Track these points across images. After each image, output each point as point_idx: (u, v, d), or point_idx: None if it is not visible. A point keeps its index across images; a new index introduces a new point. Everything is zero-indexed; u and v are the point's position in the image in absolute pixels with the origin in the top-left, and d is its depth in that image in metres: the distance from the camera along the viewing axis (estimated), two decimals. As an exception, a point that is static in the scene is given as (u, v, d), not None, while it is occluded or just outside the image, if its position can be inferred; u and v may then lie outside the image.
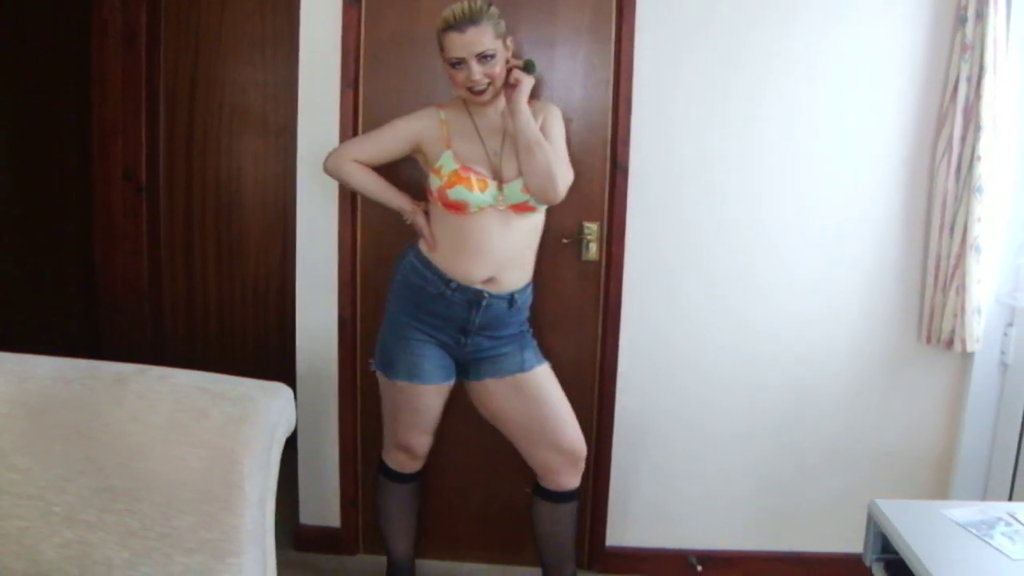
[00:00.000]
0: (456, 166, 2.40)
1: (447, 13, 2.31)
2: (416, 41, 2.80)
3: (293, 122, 2.91)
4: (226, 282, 3.94)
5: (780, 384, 2.98)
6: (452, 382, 2.61)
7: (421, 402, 2.58)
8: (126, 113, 3.68)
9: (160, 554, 1.79)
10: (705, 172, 2.86)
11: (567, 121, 2.71)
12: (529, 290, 2.59)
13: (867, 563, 1.53)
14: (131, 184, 3.75)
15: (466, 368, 2.62)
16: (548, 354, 2.70)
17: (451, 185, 2.38)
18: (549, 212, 2.60)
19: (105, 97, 3.68)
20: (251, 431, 1.80)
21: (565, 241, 2.86)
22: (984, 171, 2.61)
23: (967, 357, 2.88)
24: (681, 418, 3.01)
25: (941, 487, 3.00)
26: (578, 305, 2.94)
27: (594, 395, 2.98)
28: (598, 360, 2.96)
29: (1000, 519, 1.42)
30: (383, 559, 2.88)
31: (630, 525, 3.08)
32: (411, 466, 2.72)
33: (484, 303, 2.47)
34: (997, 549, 1.32)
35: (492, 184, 2.40)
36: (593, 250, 2.87)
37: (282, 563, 1.98)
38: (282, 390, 1.93)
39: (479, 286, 2.46)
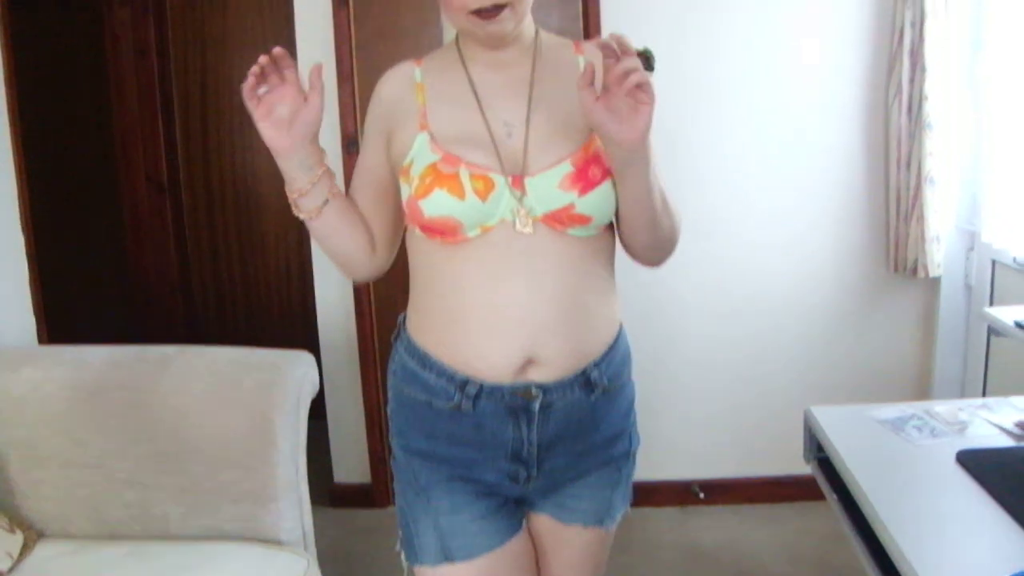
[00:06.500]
0: (436, 156, 1.36)
1: None
2: (404, 34, 3.04)
3: (297, 115, 3.16)
4: (250, 267, 4.23)
5: (756, 321, 3.22)
6: (520, 534, 1.53)
7: None
8: (143, 119, 3.97)
9: (210, 506, 2.09)
10: (670, 118, 3.08)
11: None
12: (620, 350, 1.53)
13: (806, 460, 1.80)
14: (154, 185, 4.04)
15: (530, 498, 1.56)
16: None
17: (426, 192, 1.34)
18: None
19: (122, 106, 3.97)
20: (280, 393, 2.08)
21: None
22: (932, 109, 2.83)
23: (934, 282, 3.10)
24: (661, 358, 3.23)
25: (921, 404, 3.24)
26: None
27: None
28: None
29: (914, 415, 1.65)
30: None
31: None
32: None
33: (536, 406, 1.41)
34: (905, 439, 1.56)
35: (501, 181, 1.34)
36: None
37: (321, 519, 2.24)
38: (304, 356, 2.20)
39: (516, 379, 1.39)
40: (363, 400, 3.31)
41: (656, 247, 1.47)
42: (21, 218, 2.78)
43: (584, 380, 1.42)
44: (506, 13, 1.32)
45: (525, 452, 1.44)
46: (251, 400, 2.07)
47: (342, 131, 3.06)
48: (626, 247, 1.48)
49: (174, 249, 4.12)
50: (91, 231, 3.83)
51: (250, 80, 1.32)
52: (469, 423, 1.42)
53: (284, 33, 3.58)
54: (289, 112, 1.33)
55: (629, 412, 1.57)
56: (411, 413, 1.49)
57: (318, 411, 2.23)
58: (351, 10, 3.03)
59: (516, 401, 1.39)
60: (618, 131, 1.23)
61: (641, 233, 1.42)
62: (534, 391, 1.39)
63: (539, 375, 1.39)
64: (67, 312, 3.25)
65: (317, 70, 1.33)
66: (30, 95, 2.98)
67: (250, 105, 1.33)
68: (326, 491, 3.41)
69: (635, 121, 1.22)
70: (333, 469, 3.44)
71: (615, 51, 1.19)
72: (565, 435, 1.45)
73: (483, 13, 1.32)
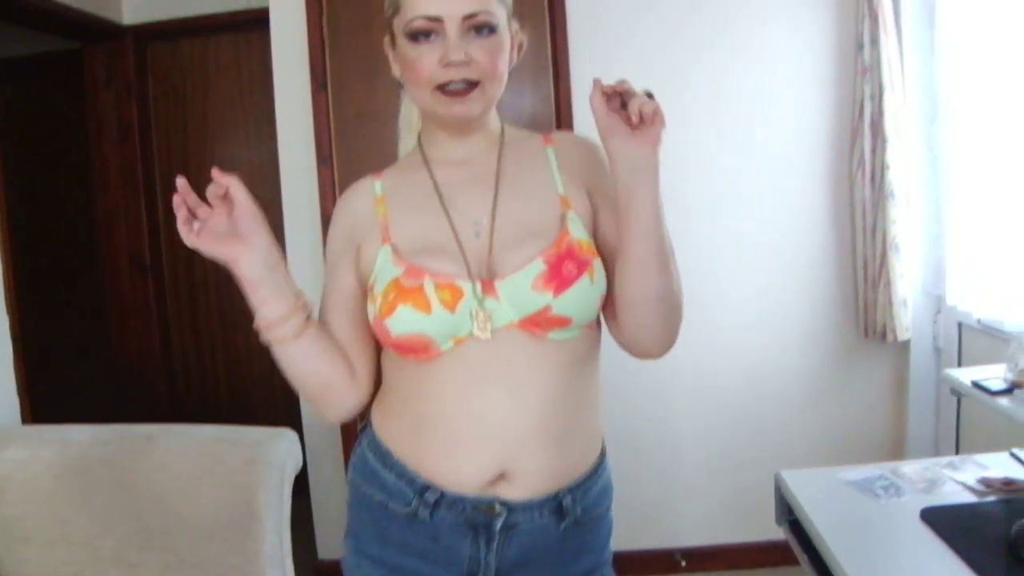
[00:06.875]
0: (398, 270, 1.28)
1: None
2: (382, 116, 3.11)
3: (278, 195, 3.24)
4: (232, 346, 4.25)
5: (733, 391, 3.27)
6: None
7: None
8: (126, 200, 4.03)
9: (195, 582, 2.10)
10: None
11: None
12: (601, 480, 1.42)
13: (778, 524, 1.85)
14: (136, 265, 4.08)
15: None
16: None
17: (390, 309, 1.26)
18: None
19: (106, 187, 4.03)
20: (264, 470, 2.11)
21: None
22: (893, 178, 2.93)
23: (904, 346, 3.17)
24: (640, 429, 3.28)
25: (897, 466, 3.29)
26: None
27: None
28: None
29: (881, 475, 1.71)
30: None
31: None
32: None
33: (498, 524, 1.30)
34: (872, 499, 1.61)
35: (469, 289, 1.26)
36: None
37: (305, 596, 2.26)
38: (287, 433, 2.24)
39: (482, 492, 1.30)
40: (346, 477, 3.31)
41: (667, 300, 1.31)
42: (6, 299, 2.82)
43: (556, 505, 1.31)
44: (475, 94, 1.27)
45: (479, 572, 1.32)
46: (235, 478, 2.10)
47: (321, 211, 3.13)
48: (630, 324, 1.34)
49: (157, 328, 4.15)
50: (75, 311, 3.87)
51: (181, 215, 1.22)
52: (424, 533, 1.32)
53: (264, 115, 3.68)
54: (227, 224, 1.24)
55: (604, 549, 1.44)
56: (366, 514, 1.39)
57: (302, 488, 2.27)
58: (329, 93, 3.12)
59: (478, 516, 1.29)
60: (630, 139, 1.19)
61: (652, 280, 1.27)
62: (498, 508, 1.28)
63: (507, 491, 1.28)
64: (51, 391, 3.28)
65: (217, 174, 1.22)
66: (14, 176, 3.05)
67: (190, 241, 1.24)
68: (310, 567, 3.40)
69: (647, 131, 1.19)
70: (317, 545, 3.44)
71: (619, 95, 1.18)
72: (528, 563, 1.33)
73: (452, 93, 1.26)
